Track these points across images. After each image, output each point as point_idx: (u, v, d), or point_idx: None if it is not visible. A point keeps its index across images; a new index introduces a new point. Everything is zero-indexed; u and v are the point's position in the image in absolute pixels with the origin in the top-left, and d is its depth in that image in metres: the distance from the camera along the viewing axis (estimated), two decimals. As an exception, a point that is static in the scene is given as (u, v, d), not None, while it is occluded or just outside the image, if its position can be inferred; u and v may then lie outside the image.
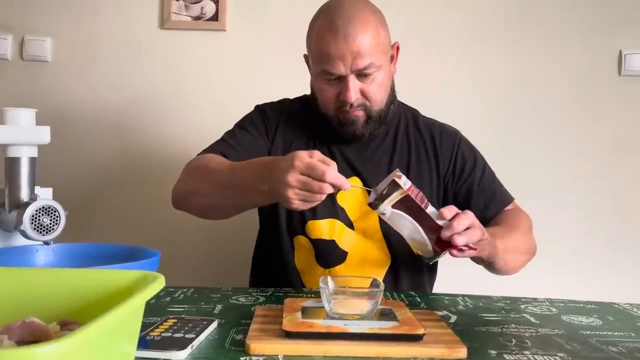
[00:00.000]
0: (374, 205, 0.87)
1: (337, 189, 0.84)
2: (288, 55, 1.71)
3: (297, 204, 0.85)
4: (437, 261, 1.25)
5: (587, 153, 1.75)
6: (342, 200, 1.14)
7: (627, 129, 1.75)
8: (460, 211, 0.88)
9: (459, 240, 0.85)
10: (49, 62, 1.75)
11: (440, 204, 1.18)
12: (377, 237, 1.14)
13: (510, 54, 1.74)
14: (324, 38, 1.04)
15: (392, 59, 1.13)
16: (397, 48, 1.14)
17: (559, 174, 1.75)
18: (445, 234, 0.86)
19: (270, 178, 0.87)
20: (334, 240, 1.12)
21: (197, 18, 1.73)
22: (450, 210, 0.87)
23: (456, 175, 1.19)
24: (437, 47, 1.74)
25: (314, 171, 0.81)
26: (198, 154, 1.14)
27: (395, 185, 0.85)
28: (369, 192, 0.89)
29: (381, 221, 1.13)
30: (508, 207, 1.20)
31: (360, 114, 1.09)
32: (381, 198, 0.86)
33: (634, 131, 1.75)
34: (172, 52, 1.75)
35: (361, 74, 1.05)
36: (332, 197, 1.14)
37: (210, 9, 1.72)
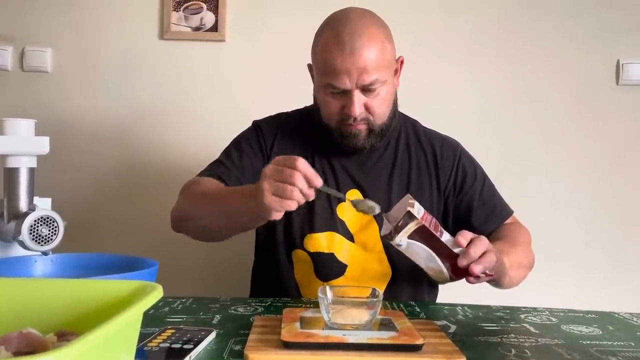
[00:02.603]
0: (389, 237, 0.86)
1: (310, 190, 0.83)
2: (287, 65, 1.72)
3: (270, 199, 0.83)
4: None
5: (586, 162, 1.75)
6: (341, 213, 1.14)
7: (626, 138, 1.75)
8: (474, 235, 0.88)
9: (476, 269, 0.86)
10: (49, 72, 1.76)
11: (440, 216, 1.18)
12: (377, 250, 1.13)
13: (509, 64, 1.75)
14: (330, 51, 1.03)
15: (396, 72, 1.13)
16: (402, 62, 1.14)
17: (558, 183, 1.75)
18: (462, 262, 0.86)
19: (250, 193, 0.88)
20: (333, 254, 1.11)
21: (197, 29, 1.74)
22: (465, 237, 0.87)
23: (457, 188, 1.19)
24: (437, 56, 1.75)
25: (286, 161, 0.84)
26: (196, 176, 1.14)
27: (410, 216, 0.84)
28: (339, 199, 0.88)
29: None
30: (508, 221, 1.21)
31: (362, 127, 1.09)
32: (396, 230, 0.85)
33: (632, 140, 1.75)
34: (171, 62, 1.76)
35: (366, 89, 1.04)
36: (331, 210, 1.13)
37: (209, 19, 1.73)
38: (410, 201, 0.85)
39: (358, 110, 1.05)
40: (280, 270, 1.15)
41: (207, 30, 1.73)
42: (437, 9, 1.75)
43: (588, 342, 0.79)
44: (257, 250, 1.27)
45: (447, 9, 1.75)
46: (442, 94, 1.75)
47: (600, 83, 1.75)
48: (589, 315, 0.96)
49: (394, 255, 1.12)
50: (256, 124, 1.22)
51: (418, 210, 0.85)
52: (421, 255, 0.87)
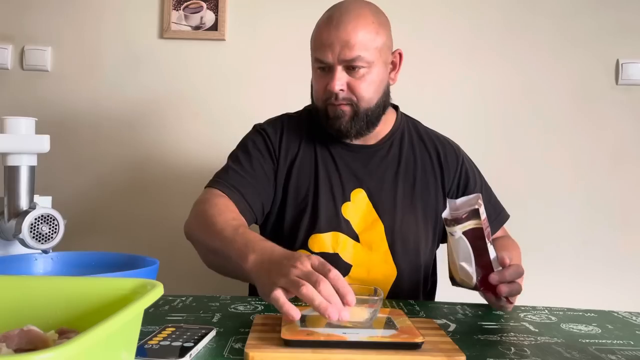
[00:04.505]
0: (448, 223, 0.88)
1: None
2: (287, 64, 1.72)
3: (278, 294, 0.71)
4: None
5: (585, 161, 1.75)
6: (346, 212, 1.13)
7: (625, 138, 1.76)
8: (514, 263, 0.89)
9: (503, 290, 0.87)
10: (49, 71, 1.76)
11: (440, 217, 1.19)
12: (382, 250, 1.12)
13: (507, 64, 1.75)
14: (319, 28, 1.09)
15: (394, 66, 1.14)
16: (400, 56, 1.14)
17: (557, 182, 1.75)
18: (494, 278, 0.87)
19: (254, 259, 0.82)
20: (337, 254, 1.11)
21: (197, 28, 1.74)
22: (510, 259, 0.88)
23: (460, 191, 1.19)
24: (436, 54, 1.75)
25: (322, 267, 0.73)
26: (206, 186, 1.10)
27: (476, 214, 0.85)
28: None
29: (387, 233, 1.13)
30: (499, 234, 1.23)
31: (346, 108, 1.08)
32: (458, 220, 0.86)
33: (631, 140, 1.75)
34: (171, 61, 1.76)
35: (349, 67, 1.06)
36: (335, 210, 1.13)
37: (209, 18, 1.73)
38: (480, 201, 0.87)
39: (338, 85, 1.06)
40: None
41: (207, 29, 1.74)
42: (436, 7, 1.75)
43: (587, 340, 0.79)
44: None
45: (447, 8, 1.75)
46: (441, 91, 1.75)
47: (600, 82, 1.75)
48: (588, 314, 0.96)
49: (399, 255, 1.12)
50: (260, 127, 1.20)
51: (482, 212, 0.86)
52: (463, 253, 0.88)
